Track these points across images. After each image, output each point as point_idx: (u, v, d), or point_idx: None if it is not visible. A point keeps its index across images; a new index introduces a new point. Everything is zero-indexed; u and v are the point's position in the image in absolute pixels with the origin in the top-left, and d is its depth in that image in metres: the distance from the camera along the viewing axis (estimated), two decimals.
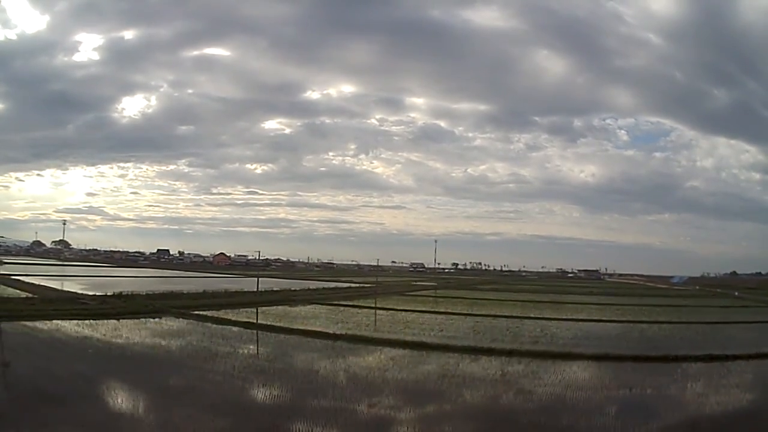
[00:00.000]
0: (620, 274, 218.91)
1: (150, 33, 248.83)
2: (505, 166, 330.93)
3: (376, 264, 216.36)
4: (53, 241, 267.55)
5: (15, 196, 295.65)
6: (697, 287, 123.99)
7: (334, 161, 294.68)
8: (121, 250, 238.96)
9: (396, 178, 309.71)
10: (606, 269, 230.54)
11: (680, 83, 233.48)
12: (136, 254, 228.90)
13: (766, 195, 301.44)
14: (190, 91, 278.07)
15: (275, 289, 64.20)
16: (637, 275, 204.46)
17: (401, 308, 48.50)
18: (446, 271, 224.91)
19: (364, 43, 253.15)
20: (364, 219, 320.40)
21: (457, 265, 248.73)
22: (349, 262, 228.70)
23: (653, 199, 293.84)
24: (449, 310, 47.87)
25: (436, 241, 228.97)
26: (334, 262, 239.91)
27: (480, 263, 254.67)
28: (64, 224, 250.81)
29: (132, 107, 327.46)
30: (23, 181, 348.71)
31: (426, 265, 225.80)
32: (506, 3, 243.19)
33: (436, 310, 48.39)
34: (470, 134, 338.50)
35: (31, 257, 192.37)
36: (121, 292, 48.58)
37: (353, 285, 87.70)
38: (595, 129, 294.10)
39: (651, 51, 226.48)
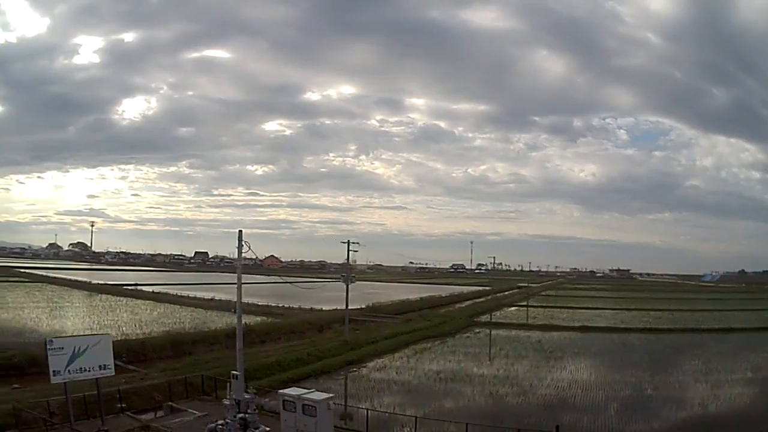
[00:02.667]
0: (649, 274, 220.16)
1: (150, 35, 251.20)
2: (505, 166, 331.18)
3: (423, 265, 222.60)
4: (71, 244, 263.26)
5: (15, 199, 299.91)
6: (743, 284, 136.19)
7: (334, 162, 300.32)
8: (162, 252, 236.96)
9: (396, 179, 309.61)
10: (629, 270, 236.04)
11: (679, 82, 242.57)
12: (180, 257, 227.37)
13: (767, 194, 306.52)
14: (190, 92, 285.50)
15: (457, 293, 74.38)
16: (666, 274, 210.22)
17: (577, 306, 60.54)
18: (476, 272, 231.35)
19: (364, 44, 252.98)
20: (365, 220, 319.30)
21: (482, 266, 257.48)
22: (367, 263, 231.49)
23: (653, 198, 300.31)
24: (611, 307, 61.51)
25: (471, 243, 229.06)
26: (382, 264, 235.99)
27: (501, 263, 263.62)
28: (92, 226, 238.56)
29: (132, 109, 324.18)
30: (23, 183, 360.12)
31: (465, 266, 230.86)
32: (505, 3, 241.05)
33: (608, 306, 60.35)
34: (470, 134, 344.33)
35: (62, 260, 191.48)
36: (372, 304, 51.96)
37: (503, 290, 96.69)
38: (595, 128, 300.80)
39: (650, 50, 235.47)
